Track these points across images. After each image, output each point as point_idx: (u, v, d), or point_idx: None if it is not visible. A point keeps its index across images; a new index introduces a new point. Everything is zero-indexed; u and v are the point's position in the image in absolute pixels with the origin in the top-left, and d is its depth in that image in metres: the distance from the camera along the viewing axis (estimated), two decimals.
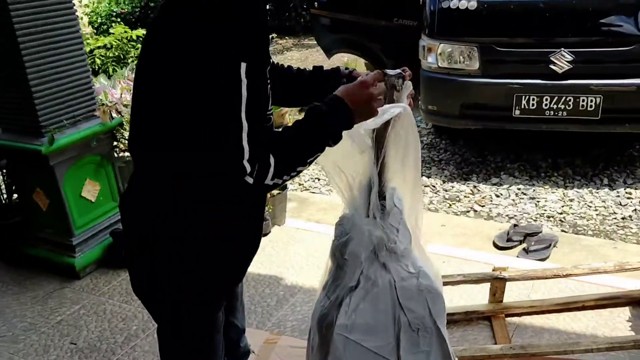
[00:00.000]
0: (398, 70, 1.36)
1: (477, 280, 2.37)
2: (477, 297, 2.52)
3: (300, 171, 1.23)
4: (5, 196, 3.14)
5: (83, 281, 2.87)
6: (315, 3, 4.74)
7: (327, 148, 1.25)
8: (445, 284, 2.34)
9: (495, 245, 3.11)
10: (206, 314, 1.38)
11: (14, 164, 2.90)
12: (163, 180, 1.25)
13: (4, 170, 3.08)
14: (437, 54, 3.90)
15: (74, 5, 2.76)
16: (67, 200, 2.79)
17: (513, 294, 2.52)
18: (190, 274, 1.29)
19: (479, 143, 4.64)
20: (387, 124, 1.38)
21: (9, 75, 2.62)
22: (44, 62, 2.60)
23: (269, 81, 1.22)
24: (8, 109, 2.74)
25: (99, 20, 8.12)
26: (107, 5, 8.24)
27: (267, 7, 1.29)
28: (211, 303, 1.37)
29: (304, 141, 1.21)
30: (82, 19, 7.80)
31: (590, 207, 3.57)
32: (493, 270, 2.39)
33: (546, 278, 2.37)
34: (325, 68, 1.51)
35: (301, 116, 1.25)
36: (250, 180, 1.13)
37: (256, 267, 2.86)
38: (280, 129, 1.26)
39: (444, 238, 3.21)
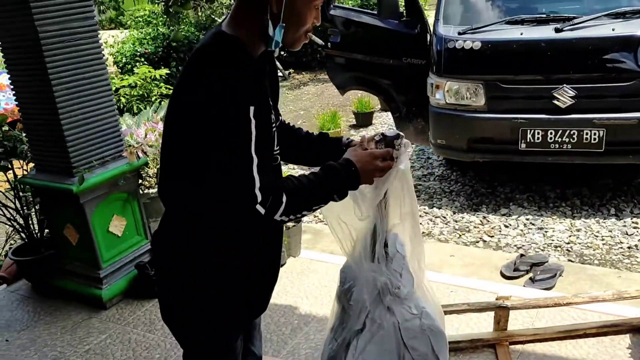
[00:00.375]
0: (396, 132, 1.53)
1: (481, 308, 2.48)
2: (483, 325, 2.63)
3: (305, 215, 1.41)
4: (37, 231, 3.35)
5: (109, 311, 3.04)
6: (329, 44, 4.96)
7: (331, 202, 1.43)
8: (451, 312, 2.48)
9: (503, 275, 3.22)
10: (222, 342, 1.51)
11: (47, 202, 3.11)
12: (181, 212, 1.42)
13: (37, 207, 3.28)
14: (444, 91, 4.07)
15: (104, 56, 3.00)
16: (96, 235, 2.98)
17: (517, 322, 2.62)
18: (201, 302, 1.43)
19: (489, 174, 4.77)
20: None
21: (44, 122, 2.85)
22: (76, 109, 2.83)
23: (274, 125, 1.39)
24: (43, 151, 2.96)
25: (123, 60, 8.47)
26: (131, 45, 8.61)
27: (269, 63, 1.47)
28: (226, 332, 1.49)
29: (315, 191, 1.39)
30: (107, 59, 8.15)
31: (597, 236, 3.66)
32: (497, 299, 2.50)
33: (547, 307, 2.48)
34: (330, 135, 1.72)
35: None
36: (262, 210, 1.29)
37: (272, 296, 3.01)
38: (297, 175, 1.43)
39: (453, 268, 3.33)
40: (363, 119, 6.78)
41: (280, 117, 1.65)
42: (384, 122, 6.76)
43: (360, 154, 1.46)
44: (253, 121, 1.26)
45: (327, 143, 1.66)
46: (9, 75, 2.89)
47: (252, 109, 1.25)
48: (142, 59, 8.43)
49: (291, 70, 10.22)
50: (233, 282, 1.44)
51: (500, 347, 2.44)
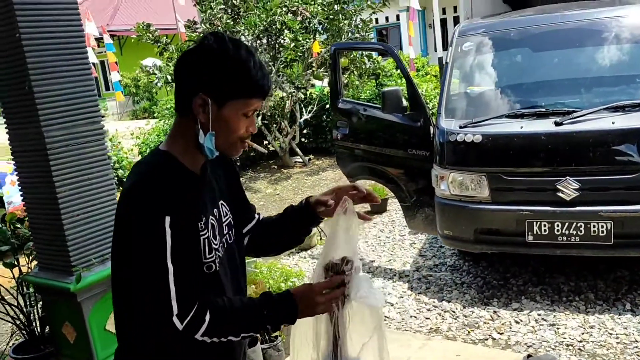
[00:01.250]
0: (341, 256, 1.47)
1: None
2: None
3: (231, 341, 1.37)
4: (40, 329, 3.37)
5: None
6: (338, 135, 5.09)
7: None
8: None
9: None
10: None
11: (47, 299, 3.15)
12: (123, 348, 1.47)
13: (39, 305, 3.33)
14: (448, 182, 4.09)
15: (109, 157, 3.13)
16: (92, 333, 2.98)
17: None
18: None
19: (501, 265, 4.67)
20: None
21: (47, 221, 2.94)
22: (78, 209, 2.92)
23: (204, 233, 1.40)
24: (45, 250, 3.04)
25: (147, 151, 8.80)
26: (156, 137, 8.95)
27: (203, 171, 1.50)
28: None
29: (245, 318, 1.38)
30: (132, 150, 8.48)
31: (612, 334, 3.50)
32: None
33: None
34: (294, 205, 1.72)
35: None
36: (179, 324, 1.28)
37: None
38: (230, 298, 1.43)
39: None
40: (378, 206, 6.79)
41: (255, 215, 1.71)
42: (398, 208, 6.75)
43: (301, 289, 1.44)
44: (169, 231, 1.29)
45: (293, 213, 1.67)
46: (17, 177, 3.02)
47: (167, 219, 1.29)
48: None
49: (311, 157, 10.42)
50: None
51: None
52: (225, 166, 1.60)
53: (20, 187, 3.04)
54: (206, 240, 1.41)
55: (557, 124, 3.74)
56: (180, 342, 1.31)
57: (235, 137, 1.42)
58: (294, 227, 1.69)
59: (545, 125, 3.80)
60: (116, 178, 7.94)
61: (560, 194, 3.71)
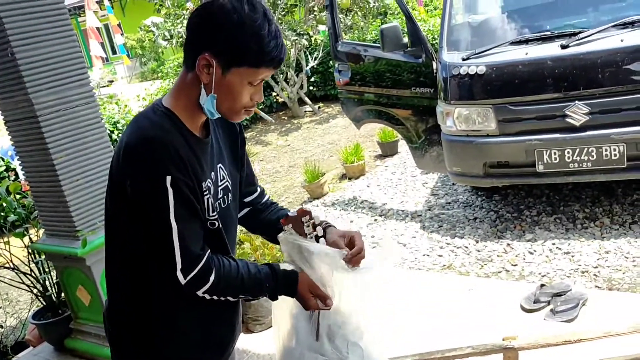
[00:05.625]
0: (296, 210, 1.51)
1: (487, 351, 2.35)
2: None
3: (227, 299, 1.40)
4: (56, 294, 3.43)
5: None
6: (340, 80, 4.97)
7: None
8: (454, 357, 2.36)
9: (523, 308, 3.06)
10: None
11: (59, 265, 3.19)
12: (121, 297, 1.45)
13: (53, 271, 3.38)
14: (454, 118, 3.98)
15: (102, 119, 3.09)
16: (105, 295, 3.02)
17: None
18: None
19: (515, 197, 4.60)
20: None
21: (47, 188, 2.94)
22: (76, 174, 2.92)
23: (206, 193, 1.37)
24: (49, 217, 3.06)
25: None
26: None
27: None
28: None
29: (247, 286, 1.40)
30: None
31: (628, 257, 3.44)
32: (503, 339, 2.37)
33: (557, 345, 2.32)
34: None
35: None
36: (182, 278, 1.30)
37: None
38: (238, 261, 1.42)
39: (470, 303, 3.19)
40: (389, 149, 6.72)
41: (259, 189, 1.69)
42: (408, 150, 6.66)
43: (307, 281, 1.46)
44: (170, 190, 1.26)
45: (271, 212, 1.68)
46: (14, 147, 3.01)
47: (168, 178, 1.26)
48: None
49: (320, 104, 10.29)
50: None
51: None
52: (229, 129, 1.55)
53: (17, 156, 3.03)
54: (209, 199, 1.39)
55: (563, 46, 3.57)
56: (181, 296, 1.34)
57: (238, 104, 1.35)
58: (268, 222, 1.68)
59: (551, 49, 3.63)
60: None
61: (569, 120, 3.58)
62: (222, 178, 1.47)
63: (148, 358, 1.45)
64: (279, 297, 1.47)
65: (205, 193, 1.38)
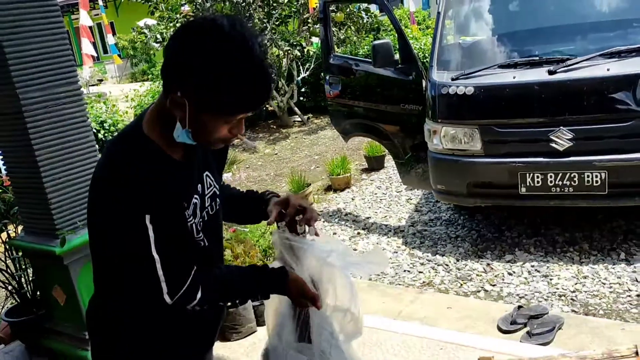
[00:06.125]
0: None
1: None
2: None
3: (220, 305, 1.42)
4: (31, 292, 3.38)
5: None
6: (331, 92, 4.99)
7: None
8: None
9: (500, 329, 3.08)
10: None
11: (36, 263, 3.15)
12: (103, 296, 1.44)
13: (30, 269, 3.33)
14: (440, 136, 4.01)
15: (89, 119, 3.07)
16: (81, 295, 2.98)
17: None
18: None
19: (497, 218, 4.64)
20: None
21: (29, 185, 2.91)
22: (59, 172, 2.87)
23: (190, 220, 1.35)
24: (29, 214, 3.01)
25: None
26: (150, 98, 8.86)
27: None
28: None
29: (236, 290, 1.41)
30: (127, 112, 8.40)
31: (605, 284, 3.49)
32: (479, 359, 2.38)
33: None
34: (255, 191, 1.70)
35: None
36: (168, 300, 1.28)
37: None
38: (226, 269, 1.43)
39: (448, 321, 3.21)
40: (375, 163, 6.75)
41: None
42: (394, 165, 6.70)
43: (297, 280, 1.44)
44: (150, 226, 1.23)
45: (254, 200, 1.64)
46: None
47: (147, 217, 1.22)
48: None
49: (310, 115, 10.32)
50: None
51: None
52: None
53: (0, 151, 2.99)
54: (193, 225, 1.38)
55: (550, 72, 3.63)
56: (168, 312, 1.33)
57: (215, 138, 1.29)
58: (252, 213, 1.66)
59: (539, 74, 3.69)
60: None
61: (553, 145, 3.64)
62: (209, 186, 1.45)
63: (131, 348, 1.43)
64: (271, 295, 1.47)
65: (189, 220, 1.35)
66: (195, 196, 1.38)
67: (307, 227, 1.50)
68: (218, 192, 1.49)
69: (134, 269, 1.29)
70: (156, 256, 1.25)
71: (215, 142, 1.32)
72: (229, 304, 1.45)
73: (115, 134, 8.08)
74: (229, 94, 1.19)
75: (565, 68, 3.61)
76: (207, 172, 1.46)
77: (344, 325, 1.54)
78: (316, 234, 1.53)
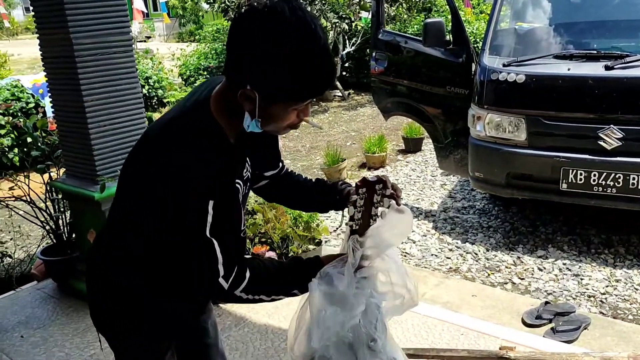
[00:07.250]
0: (376, 177, 1.45)
1: (482, 357, 2.35)
2: None
3: (262, 301, 1.38)
4: (67, 234, 3.48)
5: None
6: (376, 68, 4.93)
7: None
8: (450, 357, 2.36)
9: (524, 322, 3.04)
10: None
11: (74, 206, 3.24)
12: (128, 255, 1.43)
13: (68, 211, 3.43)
14: (485, 123, 3.94)
15: (137, 70, 3.10)
16: None
17: None
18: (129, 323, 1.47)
19: (532, 212, 4.56)
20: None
21: (74, 129, 2.97)
22: (105, 119, 2.94)
23: (242, 210, 1.38)
24: (72, 157, 3.09)
25: (187, 73, 8.78)
26: (196, 59, 8.91)
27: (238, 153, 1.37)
28: (154, 346, 1.50)
29: (278, 280, 1.39)
30: (172, 70, 8.49)
31: (637, 289, 3.40)
32: (500, 348, 2.36)
33: None
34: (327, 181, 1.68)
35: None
36: (224, 284, 1.29)
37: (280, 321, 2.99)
38: (264, 261, 1.42)
39: (471, 309, 3.18)
40: (413, 145, 6.68)
41: (281, 164, 1.66)
42: (432, 149, 6.62)
43: (330, 259, 1.42)
44: (211, 212, 1.23)
45: (323, 190, 1.64)
46: (47, 84, 3.04)
47: (211, 202, 1.22)
48: (206, 72, 8.71)
49: (351, 91, 10.25)
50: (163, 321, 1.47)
51: None
52: None
53: (50, 94, 3.06)
54: (243, 211, 1.39)
55: (607, 67, 3.50)
56: (219, 297, 1.35)
57: (284, 125, 1.30)
58: (319, 203, 1.65)
59: (595, 69, 3.57)
60: (155, 98, 8.01)
61: (601, 143, 3.53)
62: (246, 170, 1.42)
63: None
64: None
65: (243, 209, 1.39)
66: (239, 181, 1.37)
67: (388, 203, 1.42)
68: (250, 176, 1.47)
69: (190, 252, 1.27)
70: (212, 239, 1.25)
71: (284, 128, 1.32)
72: (269, 298, 1.40)
73: (159, 91, 8.10)
74: (300, 81, 1.19)
75: (623, 65, 3.48)
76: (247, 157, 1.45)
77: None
78: (398, 209, 1.41)
